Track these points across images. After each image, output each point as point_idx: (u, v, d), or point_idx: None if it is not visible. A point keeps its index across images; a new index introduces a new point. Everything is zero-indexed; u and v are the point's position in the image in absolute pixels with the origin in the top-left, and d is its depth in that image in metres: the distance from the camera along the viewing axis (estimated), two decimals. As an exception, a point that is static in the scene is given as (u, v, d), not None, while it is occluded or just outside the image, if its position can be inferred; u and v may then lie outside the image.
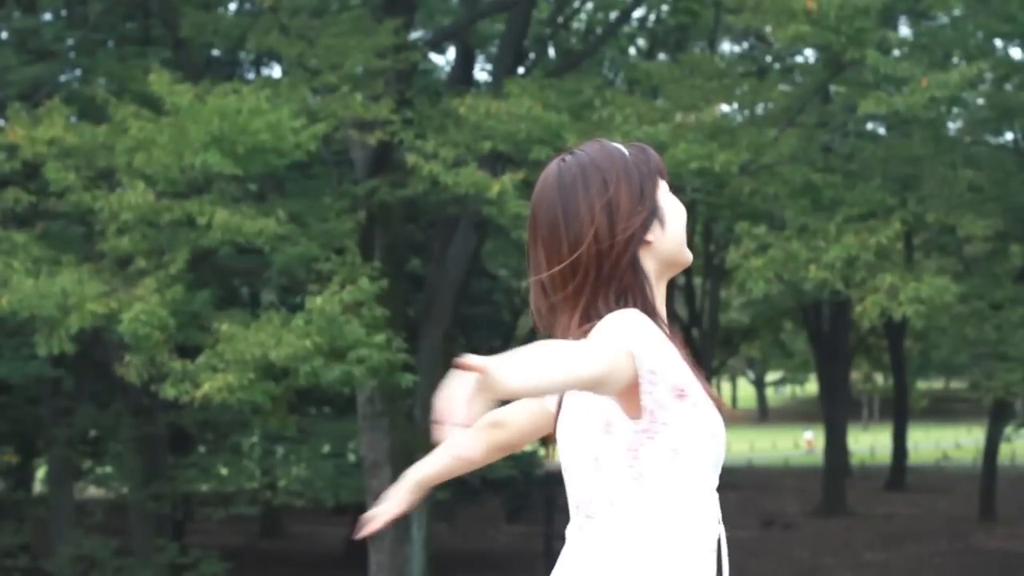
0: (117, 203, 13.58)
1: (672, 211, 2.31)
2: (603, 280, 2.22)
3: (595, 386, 2.03)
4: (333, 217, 15.08)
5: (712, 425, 2.20)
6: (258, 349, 12.98)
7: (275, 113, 13.15)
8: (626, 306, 2.19)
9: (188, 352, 14.33)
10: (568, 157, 2.31)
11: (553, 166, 2.32)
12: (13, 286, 13.26)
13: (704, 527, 2.19)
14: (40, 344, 13.70)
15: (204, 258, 15.33)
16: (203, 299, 14.79)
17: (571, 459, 2.24)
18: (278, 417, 15.49)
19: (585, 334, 2.14)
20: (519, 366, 1.88)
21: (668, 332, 2.23)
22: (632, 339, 2.09)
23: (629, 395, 2.13)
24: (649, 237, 2.26)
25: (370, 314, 13.67)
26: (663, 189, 2.31)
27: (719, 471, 2.25)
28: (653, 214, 2.27)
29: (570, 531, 2.24)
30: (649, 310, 2.22)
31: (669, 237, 2.29)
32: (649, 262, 2.27)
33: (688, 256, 2.35)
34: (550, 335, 2.25)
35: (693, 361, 2.25)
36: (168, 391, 13.47)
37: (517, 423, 2.51)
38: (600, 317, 2.16)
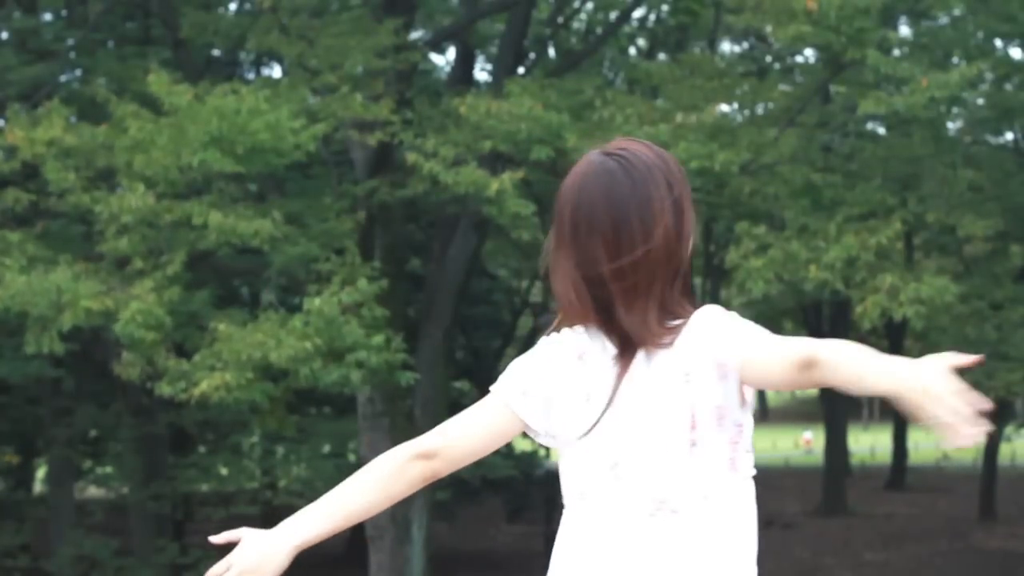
0: (117, 205, 13.57)
1: (692, 218, 2.38)
2: (671, 275, 2.26)
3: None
4: (333, 217, 15.08)
5: None
6: (256, 350, 12.97)
7: (274, 113, 13.14)
8: (691, 300, 2.28)
9: (187, 352, 14.33)
10: (624, 154, 2.31)
11: (610, 162, 2.29)
12: (6, 283, 13.22)
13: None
14: (29, 343, 13.66)
15: (202, 259, 15.32)
16: (202, 299, 14.78)
17: (646, 451, 2.20)
18: (276, 417, 15.49)
19: (670, 332, 2.20)
20: None
21: None
22: None
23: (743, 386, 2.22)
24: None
25: (370, 314, 13.67)
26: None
27: None
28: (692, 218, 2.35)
29: (636, 524, 2.19)
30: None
31: (689, 244, 2.35)
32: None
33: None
34: (583, 327, 2.29)
35: None
36: (164, 389, 13.45)
37: (461, 448, 2.34)
38: (674, 314, 2.23)
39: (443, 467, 2.33)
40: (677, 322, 2.22)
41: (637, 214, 2.23)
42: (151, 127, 13.45)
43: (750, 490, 2.24)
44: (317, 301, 13.35)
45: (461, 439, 2.33)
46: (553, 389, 2.28)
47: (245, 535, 2.39)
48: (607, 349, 2.25)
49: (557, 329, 2.33)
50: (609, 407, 2.22)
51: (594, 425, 2.23)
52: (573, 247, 2.25)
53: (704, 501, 2.18)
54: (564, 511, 2.31)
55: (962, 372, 2.08)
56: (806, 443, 49.78)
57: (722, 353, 2.18)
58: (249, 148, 13.01)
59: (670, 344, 2.20)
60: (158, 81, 13.72)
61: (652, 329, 2.20)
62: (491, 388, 2.35)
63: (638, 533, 2.19)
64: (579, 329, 2.29)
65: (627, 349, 2.22)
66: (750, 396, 2.23)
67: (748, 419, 2.24)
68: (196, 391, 13.08)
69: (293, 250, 14.22)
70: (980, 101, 19.40)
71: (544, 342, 2.34)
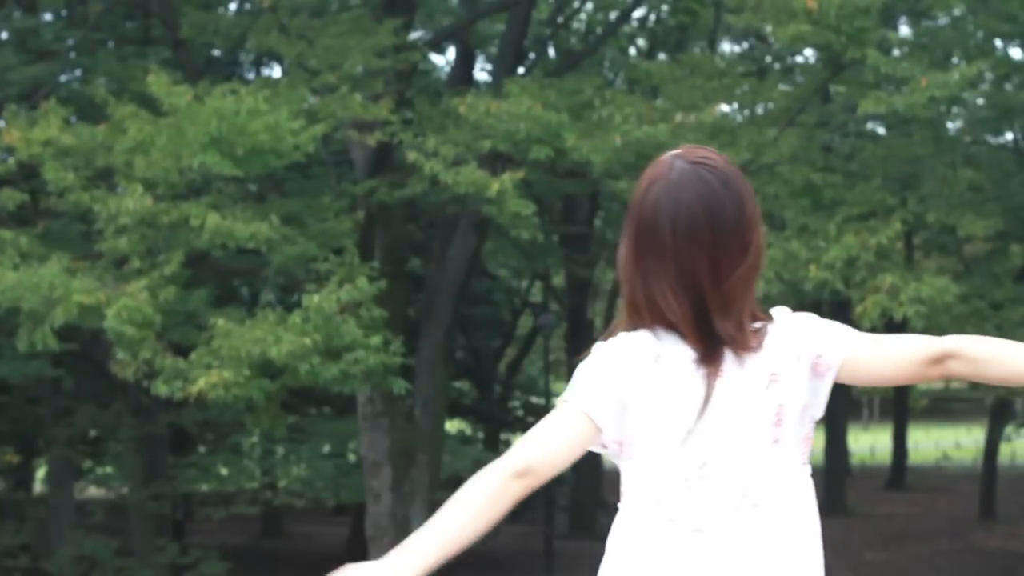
0: (115, 206, 13.55)
1: None
2: (755, 282, 2.36)
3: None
4: (332, 217, 15.07)
5: None
6: (255, 346, 12.95)
7: (273, 114, 13.13)
8: (757, 306, 2.36)
9: (185, 352, 14.31)
10: (713, 163, 2.34)
11: (703, 171, 2.32)
12: None
13: None
14: (22, 339, 13.61)
15: (201, 259, 15.31)
16: (199, 298, 14.77)
17: (735, 449, 2.26)
18: (270, 416, 15.44)
19: (756, 335, 2.30)
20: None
21: None
22: None
23: None
24: None
25: (368, 315, 13.66)
26: None
27: None
28: None
29: (721, 519, 2.24)
30: None
31: None
32: None
33: None
34: (648, 330, 2.30)
35: None
36: (160, 388, 13.43)
37: (549, 463, 2.28)
38: (756, 317, 2.33)
39: (536, 484, 2.27)
40: (758, 325, 2.31)
41: (736, 226, 2.29)
42: (150, 128, 13.44)
43: (812, 483, 2.35)
44: (316, 298, 13.34)
45: (548, 454, 2.28)
46: (629, 393, 2.27)
47: (348, 570, 2.30)
48: (685, 352, 2.27)
49: (613, 333, 2.33)
50: (705, 410, 2.26)
51: (692, 429, 2.25)
52: (672, 256, 2.28)
53: (782, 495, 2.28)
54: (625, 516, 2.31)
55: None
56: None
57: (821, 352, 2.32)
58: (248, 149, 13.00)
59: (759, 347, 2.29)
60: (157, 82, 13.71)
61: (746, 334, 2.28)
62: (563, 398, 2.32)
63: (722, 528, 2.25)
64: (642, 332, 2.30)
65: (716, 353, 2.27)
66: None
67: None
68: (193, 389, 13.06)
69: (292, 250, 14.21)
70: (980, 101, 19.40)
71: (609, 346, 2.31)
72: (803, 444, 2.32)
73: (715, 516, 2.24)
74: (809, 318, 2.37)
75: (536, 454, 2.25)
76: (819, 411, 2.34)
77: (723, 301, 2.27)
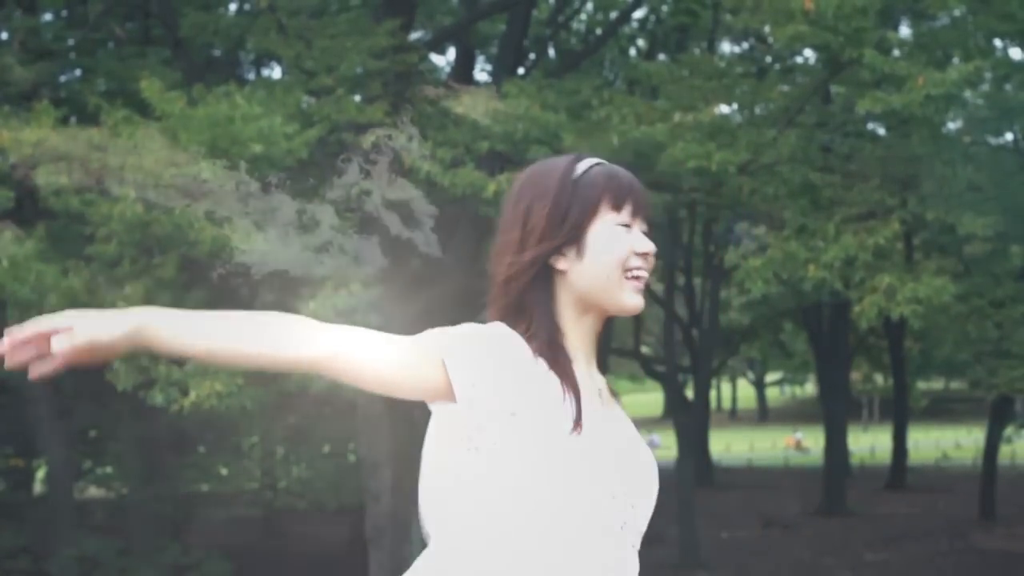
0: (107, 211, 13.53)
1: (605, 246, 2.19)
2: (511, 296, 2.22)
3: None
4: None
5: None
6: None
7: (268, 119, 13.08)
8: (525, 325, 2.18)
9: (179, 360, 14.31)
10: (536, 163, 2.32)
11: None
12: None
13: None
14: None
15: (194, 263, 15.30)
16: (194, 303, 14.77)
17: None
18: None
19: None
20: None
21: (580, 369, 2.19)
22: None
23: None
24: (561, 265, 2.20)
25: (363, 320, 13.65)
26: (607, 220, 2.20)
27: None
28: (565, 242, 2.19)
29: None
30: (550, 337, 2.17)
31: (588, 271, 2.19)
32: (564, 292, 2.21)
33: (622, 299, 2.21)
34: None
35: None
36: (156, 398, 13.42)
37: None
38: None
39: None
40: None
41: (499, 227, 2.38)
42: (141, 132, 13.39)
43: None
44: (312, 305, 13.32)
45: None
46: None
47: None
48: None
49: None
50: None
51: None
52: None
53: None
54: None
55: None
56: (788, 443, 49.74)
57: None
58: (244, 158, 12.96)
59: None
60: (150, 87, 13.67)
61: None
62: None
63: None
64: None
65: None
66: None
67: None
68: (186, 402, 13.05)
69: (288, 254, 14.18)
70: (980, 101, 19.40)
71: None
72: None
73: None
74: None
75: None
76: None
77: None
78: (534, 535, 2.06)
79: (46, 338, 2.02)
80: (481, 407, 2.06)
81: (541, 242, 2.18)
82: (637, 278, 2.21)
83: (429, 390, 2.09)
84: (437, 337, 2.11)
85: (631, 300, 2.21)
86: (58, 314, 2.05)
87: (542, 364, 2.13)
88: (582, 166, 2.24)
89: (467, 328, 2.16)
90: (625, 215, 2.21)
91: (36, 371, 2.04)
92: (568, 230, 2.18)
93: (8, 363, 2.04)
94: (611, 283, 2.19)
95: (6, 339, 2.03)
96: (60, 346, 2.01)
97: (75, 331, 2.02)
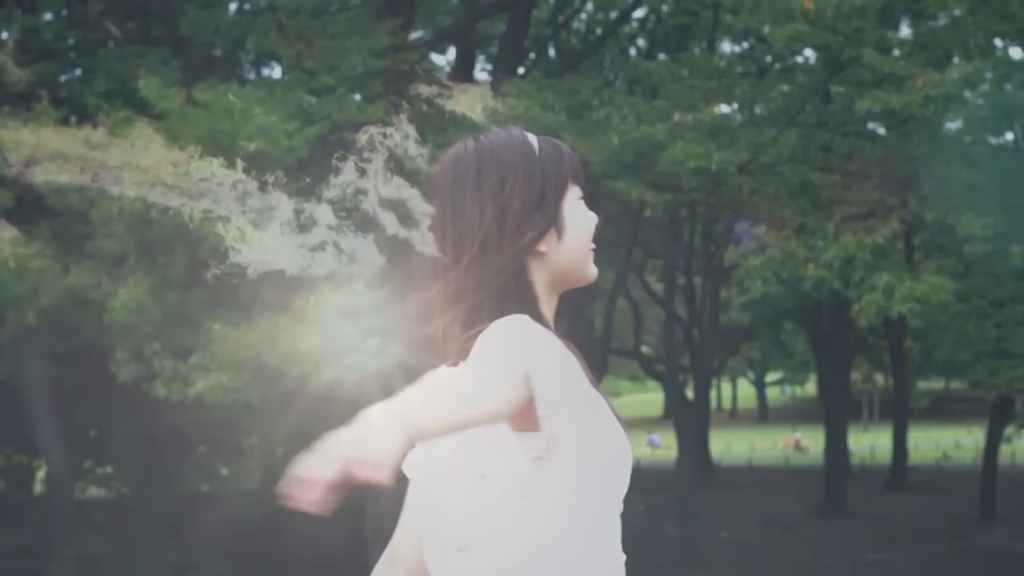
0: (107, 210, 13.55)
1: (577, 222, 2.11)
2: (486, 286, 2.04)
3: None
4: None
5: None
6: (248, 351, 12.96)
7: (265, 116, 13.09)
8: (509, 314, 2.00)
9: (184, 354, 14.32)
10: (470, 143, 2.18)
11: (452, 151, 2.20)
12: None
13: None
14: (8, 328, 13.60)
15: (198, 262, 15.32)
16: (197, 300, 14.77)
17: None
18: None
19: (470, 340, 1.97)
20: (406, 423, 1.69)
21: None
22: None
23: None
24: (542, 248, 2.06)
25: (366, 320, 13.66)
26: (572, 195, 2.13)
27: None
28: (551, 224, 2.07)
29: None
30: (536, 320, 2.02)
31: (566, 249, 2.09)
32: (540, 273, 2.08)
33: (590, 272, 2.13)
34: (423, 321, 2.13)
35: None
36: (159, 390, 13.45)
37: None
38: (483, 322, 1.98)
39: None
40: (474, 332, 2.05)
41: (451, 216, 2.21)
42: (138, 131, 13.39)
43: None
44: (312, 300, 13.34)
45: None
46: None
47: None
48: None
49: None
50: None
51: None
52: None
53: None
54: None
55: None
56: (789, 443, 49.72)
57: None
58: (243, 155, 12.97)
59: None
60: (148, 85, 13.68)
61: (454, 341, 2.13)
62: None
63: None
64: None
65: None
66: None
67: None
68: (192, 391, 13.07)
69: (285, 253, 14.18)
70: (980, 101, 19.39)
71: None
72: None
73: None
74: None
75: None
76: None
77: (428, 293, 2.17)
78: (587, 547, 1.97)
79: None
80: (559, 422, 1.90)
81: (521, 227, 2.05)
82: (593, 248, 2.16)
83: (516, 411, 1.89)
84: (518, 350, 1.89)
85: (594, 270, 2.14)
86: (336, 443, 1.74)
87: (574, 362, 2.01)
88: (535, 141, 2.19)
89: (540, 333, 1.96)
90: (579, 187, 2.15)
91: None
92: (547, 211, 2.08)
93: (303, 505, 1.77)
94: (584, 258, 2.12)
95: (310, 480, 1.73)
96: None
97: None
